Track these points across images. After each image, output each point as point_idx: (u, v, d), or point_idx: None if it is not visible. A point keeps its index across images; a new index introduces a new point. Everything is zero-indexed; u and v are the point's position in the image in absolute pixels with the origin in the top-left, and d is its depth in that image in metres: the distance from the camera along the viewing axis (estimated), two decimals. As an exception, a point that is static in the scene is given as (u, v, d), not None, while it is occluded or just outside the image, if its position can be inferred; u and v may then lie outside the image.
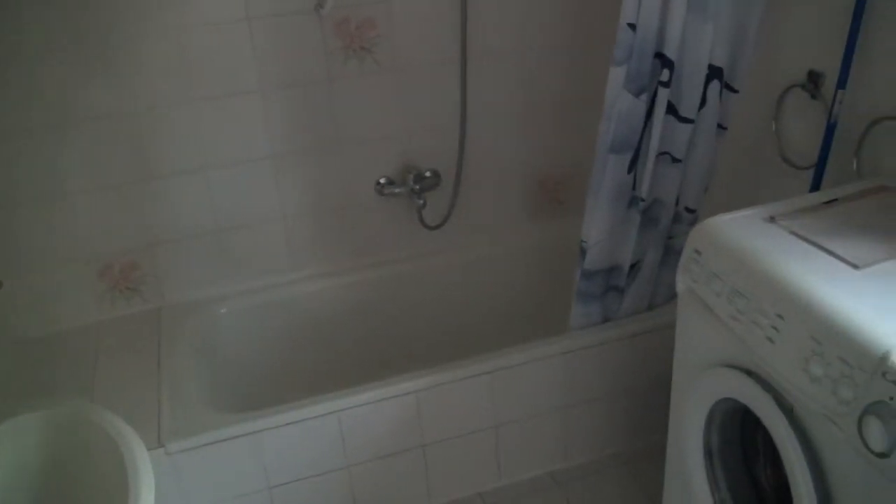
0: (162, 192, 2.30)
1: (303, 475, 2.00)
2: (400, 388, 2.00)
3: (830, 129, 1.90)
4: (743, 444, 1.62)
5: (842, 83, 1.86)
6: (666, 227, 2.09)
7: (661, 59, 1.85)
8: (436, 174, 2.55)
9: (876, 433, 1.15)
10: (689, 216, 2.09)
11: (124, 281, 2.37)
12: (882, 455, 1.15)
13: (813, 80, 1.99)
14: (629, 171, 1.97)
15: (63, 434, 1.48)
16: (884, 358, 1.15)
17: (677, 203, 2.08)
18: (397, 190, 2.51)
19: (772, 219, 1.53)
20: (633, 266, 2.11)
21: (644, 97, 1.89)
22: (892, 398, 1.13)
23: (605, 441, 2.30)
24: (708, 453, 1.61)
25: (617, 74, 1.84)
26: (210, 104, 2.25)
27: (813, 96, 1.99)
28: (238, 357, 2.43)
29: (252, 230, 2.44)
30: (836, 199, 1.62)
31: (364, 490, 2.08)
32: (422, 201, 2.50)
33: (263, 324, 2.47)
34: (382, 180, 2.51)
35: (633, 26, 1.80)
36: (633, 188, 2.01)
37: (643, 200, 2.00)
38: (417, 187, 2.50)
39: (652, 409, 2.22)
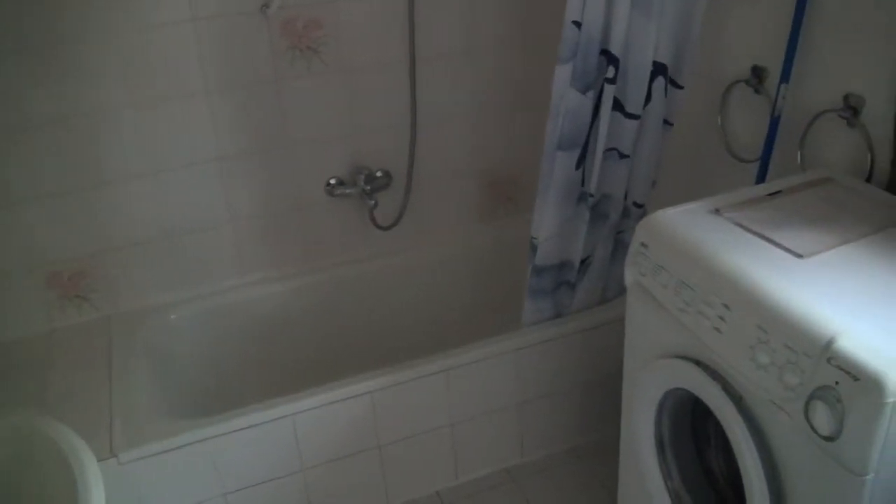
0: (109, 198, 2.26)
1: (258, 480, 1.98)
2: (354, 389, 1.99)
3: (774, 123, 1.94)
4: (694, 434, 1.65)
5: (785, 77, 1.89)
6: (615, 222, 2.11)
7: (607, 57, 1.87)
8: (387, 174, 2.54)
9: (823, 417, 1.17)
10: (637, 211, 2.11)
11: (73, 289, 2.33)
12: (829, 438, 1.18)
13: (756, 75, 2.03)
14: (577, 167, 1.98)
15: (10, 446, 1.45)
16: (829, 344, 1.18)
17: (626, 198, 2.10)
18: (348, 191, 2.50)
19: (717, 211, 1.56)
20: (583, 261, 2.13)
21: (590, 94, 1.91)
22: (837, 383, 1.16)
23: (561, 436, 2.32)
24: (660, 444, 1.63)
25: (563, 72, 1.85)
26: (156, 107, 2.22)
27: (757, 91, 2.03)
28: (191, 363, 2.40)
29: (201, 234, 2.41)
30: (780, 191, 1.65)
31: (320, 493, 2.07)
32: (373, 202, 2.49)
33: (215, 329, 2.44)
34: (333, 181, 2.50)
35: (578, 24, 1.81)
36: (582, 184, 2.03)
37: (592, 196, 2.02)
38: (369, 188, 2.49)
39: (606, 402, 2.24)
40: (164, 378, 2.24)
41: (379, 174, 2.53)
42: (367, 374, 2.02)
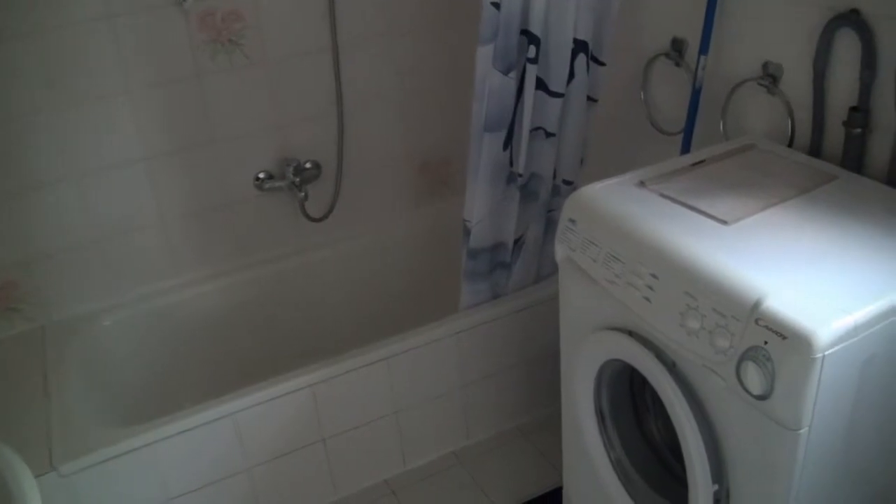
0: (34, 205, 2.19)
1: (203, 483, 1.95)
2: (294, 383, 1.97)
3: (696, 94, 1.97)
4: (633, 403, 1.68)
5: (704, 49, 1.93)
6: (545, 200, 2.12)
7: (527, 36, 1.88)
8: (316, 165, 2.52)
9: (754, 377, 1.21)
10: (567, 188, 2.13)
11: (5, 300, 2.25)
12: (762, 397, 1.21)
13: (676, 48, 2.06)
14: (505, 148, 1.99)
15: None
16: (756, 305, 1.21)
17: (555, 176, 2.12)
18: (278, 184, 2.47)
19: (642, 184, 1.58)
20: (517, 241, 2.15)
21: (513, 74, 1.91)
22: (766, 343, 1.19)
23: (506, 415, 2.34)
24: (600, 415, 1.65)
25: (485, 53, 1.85)
26: (76, 108, 2.16)
27: (677, 64, 2.06)
28: (129, 369, 2.35)
29: (131, 237, 2.36)
30: (703, 161, 1.69)
31: (267, 491, 2.05)
32: (303, 193, 2.47)
33: (151, 333, 2.39)
34: (261, 175, 2.47)
35: (496, 5, 1.81)
36: (511, 165, 2.04)
37: (521, 176, 2.03)
38: (298, 179, 2.46)
39: (548, 378, 2.26)
40: (103, 386, 2.20)
41: (308, 165, 2.51)
42: (306, 368, 2.00)
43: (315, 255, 2.60)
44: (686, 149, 2.00)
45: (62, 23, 2.07)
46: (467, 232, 2.07)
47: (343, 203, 2.58)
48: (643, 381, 1.49)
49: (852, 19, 1.62)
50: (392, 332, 2.11)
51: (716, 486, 1.36)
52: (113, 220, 2.31)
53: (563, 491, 1.94)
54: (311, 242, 2.61)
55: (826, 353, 1.15)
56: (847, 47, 1.66)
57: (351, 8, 2.40)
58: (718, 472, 1.36)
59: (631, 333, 1.46)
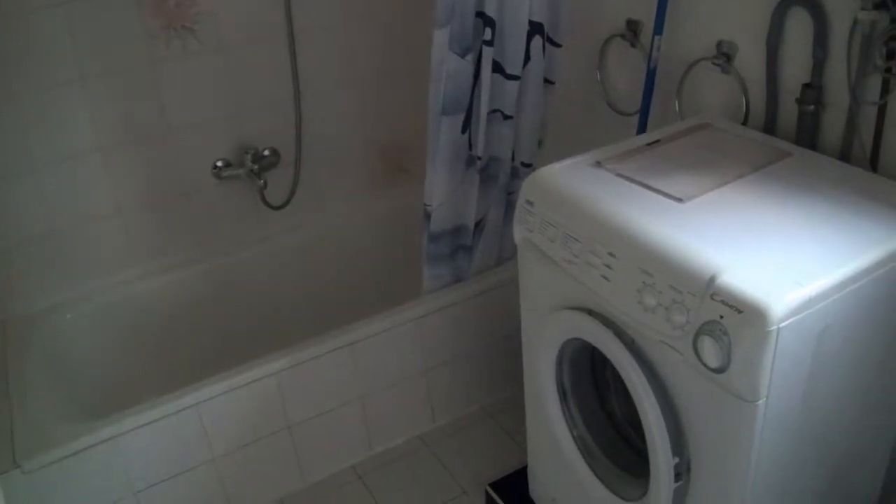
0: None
1: (169, 475, 1.94)
2: (258, 372, 1.97)
3: (651, 74, 1.98)
4: (594, 380, 1.69)
5: (658, 29, 1.94)
6: (505, 183, 2.13)
7: (483, 18, 1.88)
8: (275, 152, 2.50)
9: (711, 351, 1.22)
10: (526, 171, 2.14)
11: (-38, 297, 2.22)
12: (719, 370, 1.23)
13: (631, 29, 2.07)
14: (463, 131, 1.99)
15: None
16: (711, 281, 1.23)
17: (513, 159, 2.13)
18: (236, 172, 2.46)
19: (598, 164, 1.59)
20: (477, 224, 2.15)
21: (470, 57, 1.91)
22: (722, 317, 1.21)
23: (471, 397, 2.35)
24: (562, 393, 1.67)
25: (441, 36, 1.85)
26: (31, 99, 2.12)
27: (632, 44, 2.07)
28: (91, 363, 2.33)
29: (89, 229, 2.33)
30: (659, 140, 1.70)
31: (234, 480, 2.04)
32: (262, 181, 2.45)
33: (113, 325, 2.37)
34: (220, 163, 2.45)
35: (451, -13, 1.81)
36: (470, 148, 2.04)
37: (480, 159, 2.03)
38: (256, 167, 2.45)
39: (511, 359, 2.26)
40: (65, 381, 2.17)
41: (266, 152, 2.49)
42: (269, 357, 2.00)
43: (276, 243, 2.59)
44: (642, 128, 2.01)
45: (12, 11, 2.03)
46: (428, 216, 2.07)
47: (303, 190, 2.56)
48: (604, 359, 1.50)
49: (804, -2, 1.65)
50: (355, 319, 2.11)
51: (676, 459, 1.38)
52: (70, 213, 2.28)
53: (529, 469, 1.96)
54: (271, 230, 2.60)
55: (781, 325, 1.17)
56: (799, 25, 1.68)
57: (307, -7, 2.39)
58: (679, 445, 1.38)
59: (590, 312, 1.47)
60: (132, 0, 2.16)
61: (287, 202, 2.52)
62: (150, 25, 2.21)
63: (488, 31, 1.88)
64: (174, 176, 2.40)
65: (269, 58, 2.40)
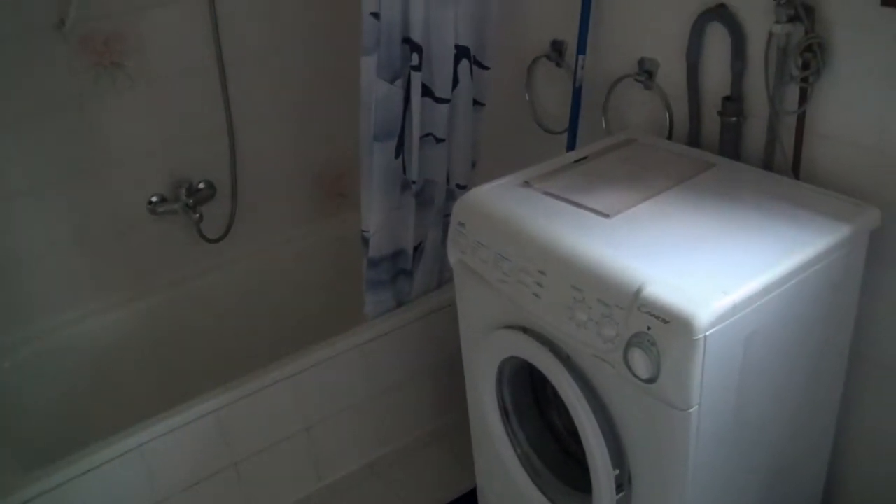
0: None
1: (112, 520, 1.90)
2: (198, 410, 1.93)
3: (577, 93, 2.02)
4: (535, 397, 1.71)
5: (581, 49, 1.98)
6: (441, 205, 2.14)
7: (410, 44, 1.90)
8: (210, 185, 2.48)
9: (641, 362, 1.25)
10: (461, 192, 2.15)
11: None
12: (650, 381, 1.25)
13: (556, 49, 2.11)
14: (396, 156, 2.00)
15: None
16: (637, 293, 1.25)
17: (448, 181, 2.14)
18: (172, 206, 2.42)
19: (527, 183, 1.61)
20: (416, 248, 2.16)
21: (399, 83, 1.92)
22: (649, 328, 1.23)
23: (418, 421, 2.34)
24: (504, 412, 1.68)
25: (368, 63, 1.86)
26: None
27: (558, 64, 2.11)
28: (33, 410, 2.26)
29: (24, 272, 2.27)
30: (586, 157, 1.73)
31: (180, 521, 2.00)
32: (198, 215, 2.43)
33: (52, 370, 2.30)
34: (154, 199, 2.42)
35: (376, 15, 1.83)
36: (404, 172, 2.05)
37: (415, 183, 2.04)
38: (192, 201, 2.42)
39: (457, 380, 2.26)
40: (6, 431, 2.11)
41: (201, 185, 2.47)
42: (210, 393, 1.96)
43: (215, 277, 2.56)
44: (571, 146, 2.04)
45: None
46: (366, 242, 2.08)
47: (240, 221, 2.54)
48: (543, 376, 1.52)
49: (720, 13, 1.69)
50: (300, 348, 2.09)
51: (617, 471, 1.39)
52: (3, 256, 2.23)
53: (478, 491, 1.97)
54: (210, 264, 2.57)
55: (707, 333, 1.20)
56: (717, 40, 1.73)
57: (235, 25, 2.38)
58: (618, 456, 1.40)
59: (525, 330, 1.49)
60: (61, 39, 2.13)
61: (224, 235, 2.50)
62: (78, 63, 2.18)
63: (415, 56, 1.89)
64: (109, 214, 2.36)
65: (201, 90, 2.39)
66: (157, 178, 2.41)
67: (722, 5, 1.69)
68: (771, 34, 1.59)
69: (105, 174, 2.32)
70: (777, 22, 1.55)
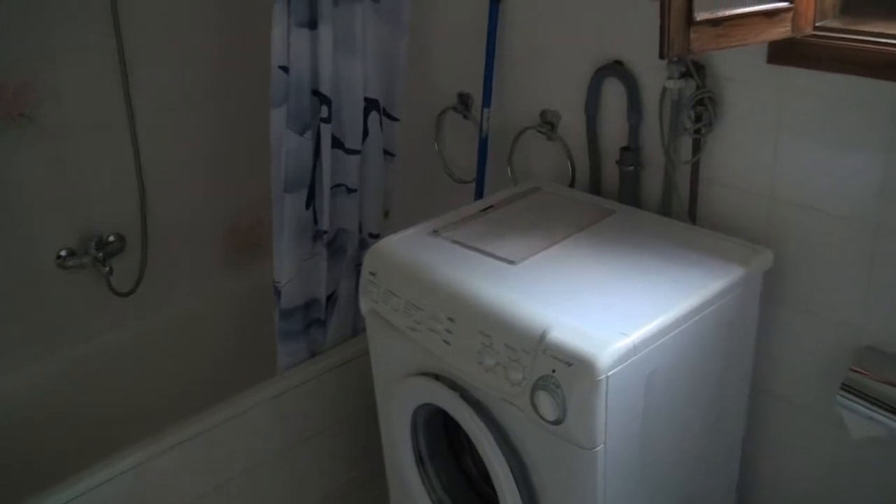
0: None
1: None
2: (110, 471, 1.87)
3: (483, 144, 2.08)
4: (450, 443, 1.73)
5: (486, 102, 2.05)
6: (354, 255, 2.16)
7: (319, 97, 1.93)
8: (120, 237, 2.45)
9: (547, 404, 1.29)
10: (374, 241, 2.17)
11: None
12: (556, 422, 1.29)
13: (463, 102, 2.18)
14: (307, 206, 2.02)
15: None
16: (542, 337, 1.30)
17: (361, 230, 2.17)
18: (81, 260, 2.38)
19: (435, 232, 1.66)
20: (329, 297, 2.17)
21: (309, 134, 1.95)
22: (554, 371, 1.27)
23: (336, 472, 2.33)
24: (419, 459, 1.69)
25: (278, 115, 1.89)
26: None
27: (465, 116, 2.18)
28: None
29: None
30: (492, 206, 1.78)
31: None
32: (108, 268, 2.39)
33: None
34: (63, 253, 2.37)
35: (285, 68, 1.86)
36: (315, 222, 2.07)
37: (326, 233, 2.06)
38: (101, 254, 2.38)
39: (375, 429, 2.27)
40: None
41: (111, 238, 2.43)
42: (126, 451, 1.91)
43: (127, 331, 2.51)
44: (479, 195, 2.10)
45: None
46: (277, 292, 2.08)
47: (152, 274, 2.51)
48: (456, 422, 1.54)
49: (617, 69, 1.78)
50: (214, 402, 2.07)
51: (529, 513, 1.42)
52: None
53: (396, 539, 1.97)
54: (120, 318, 2.51)
55: (609, 373, 1.25)
56: (614, 94, 1.82)
57: (145, 77, 2.37)
58: (530, 498, 1.43)
59: (437, 377, 1.52)
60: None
61: (135, 288, 2.46)
62: (-17, 117, 2.15)
63: (325, 108, 1.93)
64: (14, 269, 2.30)
65: (111, 141, 2.36)
66: (65, 231, 2.37)
67: (618, 62, 1.78)
68: (665, 89, 1.68)
69: (11, 228, 2.27)
70: (670, 78, 1.64)
